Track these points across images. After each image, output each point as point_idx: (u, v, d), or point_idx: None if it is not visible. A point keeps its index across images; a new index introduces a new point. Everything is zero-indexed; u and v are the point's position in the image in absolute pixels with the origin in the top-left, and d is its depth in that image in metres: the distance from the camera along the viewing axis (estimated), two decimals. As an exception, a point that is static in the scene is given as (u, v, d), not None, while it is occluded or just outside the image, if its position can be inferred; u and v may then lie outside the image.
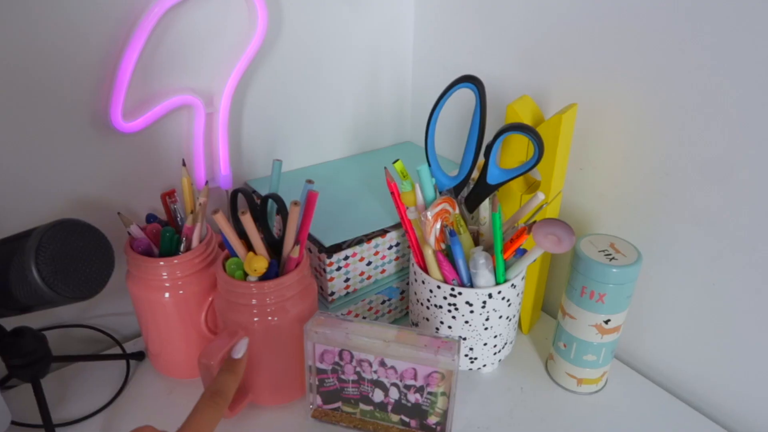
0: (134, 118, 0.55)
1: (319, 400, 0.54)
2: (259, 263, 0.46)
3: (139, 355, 0.61)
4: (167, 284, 0.53)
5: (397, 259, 0.63)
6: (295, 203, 0.46)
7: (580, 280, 0.52)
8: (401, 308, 0.66)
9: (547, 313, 0.70)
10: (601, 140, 0.57)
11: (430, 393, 0.50)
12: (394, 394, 0.51)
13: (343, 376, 0.52)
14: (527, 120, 0.54)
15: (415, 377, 0.50)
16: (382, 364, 0.50)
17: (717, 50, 0.46)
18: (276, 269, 0.49)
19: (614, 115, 0.55)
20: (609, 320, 0.52)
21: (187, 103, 0.58)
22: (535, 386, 0.58)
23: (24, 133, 0.52)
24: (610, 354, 0.55)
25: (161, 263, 0.52)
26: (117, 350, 0.62)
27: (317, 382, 0.53)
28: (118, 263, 0.53)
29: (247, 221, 0.46)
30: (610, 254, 0.51)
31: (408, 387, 0.50)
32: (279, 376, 0.53)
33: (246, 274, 0.49)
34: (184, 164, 0.53)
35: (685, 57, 0.48)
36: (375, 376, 0.51)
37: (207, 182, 0.53)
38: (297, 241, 0.50)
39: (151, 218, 0.56)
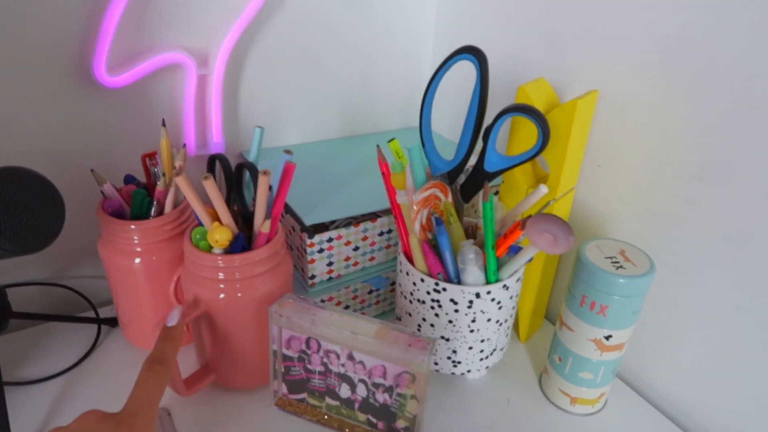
0: (120, 72, 0.52)
1: (284, 389, 0.50)
2: (222, 233, 0.43)
3: (112, 321, 0.59)
4: (138, 249, 0.50)
5: (388, 247, 0.58)
6: (264, 172, 0.42)
7: (581, 289, 0.46)
8: (390, 300, 0.62)
9: (550, 322, 0.64)
10: (624, 135, 0.51)
11: (399, 395, 0.46)
12: (361, 391, 0.47)
13: (309, 366, 0.48)
14: (539, 104, 0.48)
15: (384, 375, 0.45)
16: (351, 357, 0.46)
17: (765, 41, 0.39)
18: (242, 242, 0.45)
19: (640, 107, 0.49)
20: (610, 336, 0.46)
21: (178, 62, 0.55)
22: (524, 400, 0.53)
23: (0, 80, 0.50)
24: (610, 374, 0.49)
25: (132, 227, 0.49)
26: (92, 314, 0.60)
27: (283, 369, 0.49)
28: (93, 225, 0.51)
29: (210, 187, 0.42)
30: (618, 262, 0.45)
31: (376, 385, 0.46)
32: (244, 358, 0.50)
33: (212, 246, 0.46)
34: (164, 124, 0.50)
35: (727, 45, 0.42)
36: (342, 370, 0.47)
37: (184, 145, 0.50)
38: (269, 216, 0.46)
39: (129, 179, 0.53)
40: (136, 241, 0.50)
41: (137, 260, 0.50)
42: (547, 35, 0.56)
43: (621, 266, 0.45)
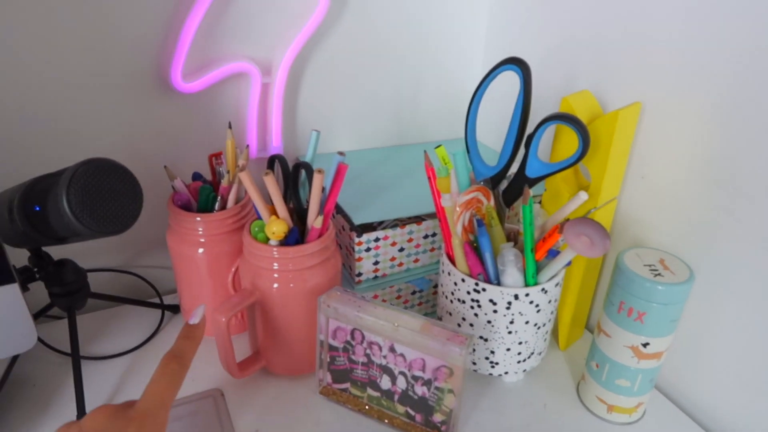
0: (193, 79, 0.58)
1: (329, 378, 0.53)
2: (279, 226, 0.46)
3: (175, 308, 0.64)
4: (202, 240, 0.55)
5: (432, 250, 0.61)
6: (319, 171, 0.46)
7: (618, 295, 0.47)
8: (433, 302, 0.64)
9: (590, 332, 0.64)
10: (667, 146, 0.52)
11: (437, 388, 0.48)
12: (401, 383, 0.49)
13: (353, 357, 0.51)
14: (582, 115, 0.50)
15: (423, 368, 0.48)
16: (392, 349, 0.48)
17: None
18: (296, 236, 0.49)
19: (684, 118, 0.50)
20: (648, 343, 0.47)
21: (244, 71, 0.60)
22: (561, 406, 0.54)
23: (90, 86, 0.56)
24: (648, 383, 0.50)
25: (197, 218, 0.54)
26: (158, 301, 0.65)
27: (328, 359, 0.52)
28: (164, 218, 0.56)
29: (270, 182, 0.46)
30: (656, 270, 0.46)
31: (416, 378, 0.48)
32: (292, 346, 0.53)
33: (269, 238, 0.50)
34: (230, 127, 0.55)
35: (771, 57, 0.42)
36: (384, 362, 0.49)
37: (248, 145, 0.55)
38: (321, 212, 0.49)
39: (196, 176, 0.58)
40: (200, 232, 0.54)
41: (201, 250, 0.55)
42: (593, 49, 0.58)
43: (659, 274, 0.46)
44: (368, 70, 0.69)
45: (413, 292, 0.62)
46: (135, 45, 0.56)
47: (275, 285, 0.50)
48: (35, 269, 0.52)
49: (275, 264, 0.49)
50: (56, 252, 0.54)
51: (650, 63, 0.52)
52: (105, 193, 0.42)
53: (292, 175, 0.51)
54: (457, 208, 0.48)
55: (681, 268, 0.46)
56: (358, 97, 0.70)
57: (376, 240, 0.56)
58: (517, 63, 0.45)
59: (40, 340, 0.57)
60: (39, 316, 0.56)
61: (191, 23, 0.55)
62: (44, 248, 0.52)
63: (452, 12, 0.71)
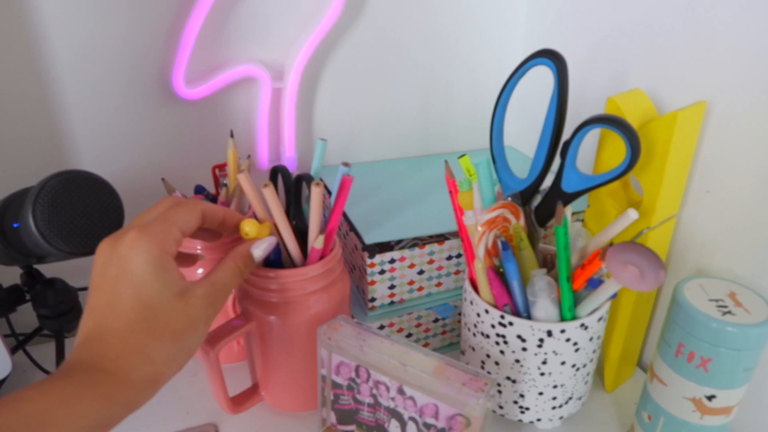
0: (197, 85, 0.54)
1: (333, 418, 0.47)
2: (251, 226, 0.40)
3: (179, 330, 0.59)
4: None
5: (457, 272, 0.54)
6: (317, 183, 0.40)
7: (677, 335, 0.39)
8: (458, 331, 0.57)
9: (643, 371, 0.55)
10: (739, 155, 0.43)
11: (453, 439, 0.41)
12: (411, 430, 0.42)
13: (358, 396, 0.44)
14: (633, 118, 0.42)
15: (436, 416, 0.41)
16: (401, 391, 0.42)
17: None
18: (279, 253, 0.43)
19: (759, 120, 0.41)
20: (714, 396, 0.38)
21: (253, 75, 0.55)
22: (606, 461, 0.46)
23: (86, 91, 0.53)
24: (714, 442, 0.41)
25: (194, 236, 0.49)
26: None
27: (332, 397, 0.46)
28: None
29: (269, 194, 0.41)
30: (726, 306, 0.37)
31: (428, 426, 0.41)
32: (294, 380, 0.48)
33: (268, 262, 0.44)
34: (231, 135, 0.50)
35: None
36: (392, 404, 0.43)
37: (249, 156, 0.50)
38: (323, 231, 0.44)
39: (199, 189, 0.53)
40: (198, 251, 0.50)
41: (200, 271, 0.50)
42: (647, 41, 0.49)
43: (729, 311, 0.37)
44: (391, 74, 0.63)
45: (435, 320, 0.55)
46: (134, 48, 0.52)
47: (274, 312, 0.44)
48: (26, 289, 0.49)
49: (272, 287, 0.44)
50: (52, 269, 0.51)
51: (717, 55, 0.43)
52: (78, 209, 0.38)
53: (294, 188, 0.45)
54: (479, 228, 0.41)
55: (757, 305, 0.37)
56: (380, 103, 0.64)
57: (392, 261, 0.50)
58: (549, 56, 0.37)
59: (33, 361, 0.54)
60: (32, 336, 0.52)
61: (193, 24, 0.51)
62: (36, 266, 0.49)
63: (486, 10, 0.64)
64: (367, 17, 0.59)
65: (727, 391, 0.38)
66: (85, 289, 0.57)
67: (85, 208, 0.39)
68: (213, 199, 0.53)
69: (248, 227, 0.40)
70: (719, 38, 0.43)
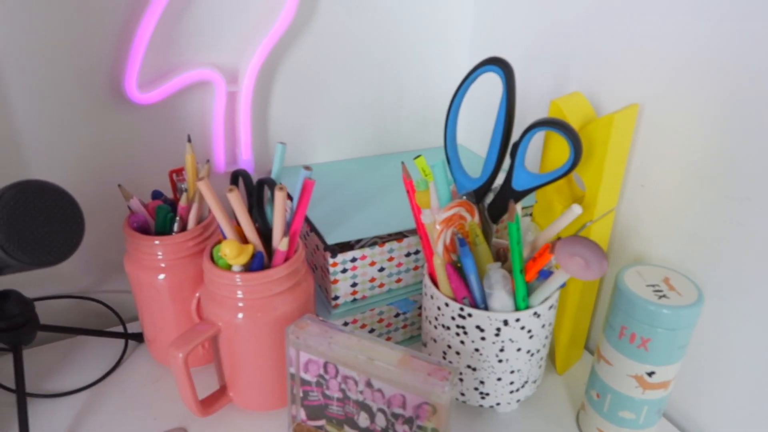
0: (150, 89, 0.53)
1: (303, 414, 0.48)
2: (231, 248, 0.41)
3: (139, 337, 0.59)
4: (162, 265, 0.50)
5: (416, 268, 0.56)
6: (280, 188, 0.41)
7: (619, 319, 0.42)
8: (419, 324, 0.59)
9: (591, 353, 0.59)
10: (669, 153, 0.47)
11: (419, 427, 0.43)
12: (380, 421, 0.44)
13: (327, 392, 0.46)
14: (574, 120, 0.45)
15: (403, 406, 0.43)
16: (369, 384, 0.43)
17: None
18: (261, 260, 0.44)
19: (687, 122, 0.45)
20: (653, 372, 0.42)
21: (207, 79, 0.55)
22: (559, 438, 0.49)
23: (32, 96, 0.51)
24: (654, 414, 0.45)
25: (155, 242, 0.49)
26: (121, 329, 0.60)
27: (301, 394, 0.47)
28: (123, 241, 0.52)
29: (234, 199, 0.42)
30: (661, 291, 0.41)
31: (396, 416, 0.43)
32: (262, 379, 0.48)
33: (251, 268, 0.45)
34: (189, 140, 0.50)
35: (784, 50, 0.38)
36: (361, 398, 0.44)
37: (208, 161, 0.50)
38: (287, 233, 0.45)
39: (156, 195, 0.53)
40: (160, 257, 0.50)
41: (161, 276, 0.50)
42: (584, 48, 0.53)
43: (664, 295, 0.41)
44: (344, 75, 0.64)
45: (396, 315, 0.57)
46: (83, 52, 0.51)
47: (240, 315, 0.45)
48: (-23, 302, 0.47)
49: (239, 292, 0.44)
50: (5, 279, 0.49)
51: (647, 60, 0.47)
52: (37, 219, 0.38)
53: (256, 192, 0.46)
54: (437, 226, 0.43)
55: (688, 288, 0.41)
56: (334, 105, 0.66)
57: (353, 260, 0.52)
58: (498, 63, 0.40)
59: (-12, 378, 0.52)
60: (-15, 351, 0.51)
61: (145, 27, 0.50)
62: (-13, 278, 0.48)
63: (434, 11, 0.66)
64: (320, 21, 0.60)
65: (665, 367, 0.42)
66: (40, 299, 0.56)
67: (44, 218, 0.38)
68: (171, 203, 0.53)
69: (227, 249, 0.41)
70: (648, 44, 0.47)
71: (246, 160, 0.60)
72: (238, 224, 0.45)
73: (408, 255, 0.54)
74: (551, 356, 0.57)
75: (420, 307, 0.58)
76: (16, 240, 0.36)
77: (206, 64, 0.55)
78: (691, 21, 0.43)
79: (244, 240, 0.45)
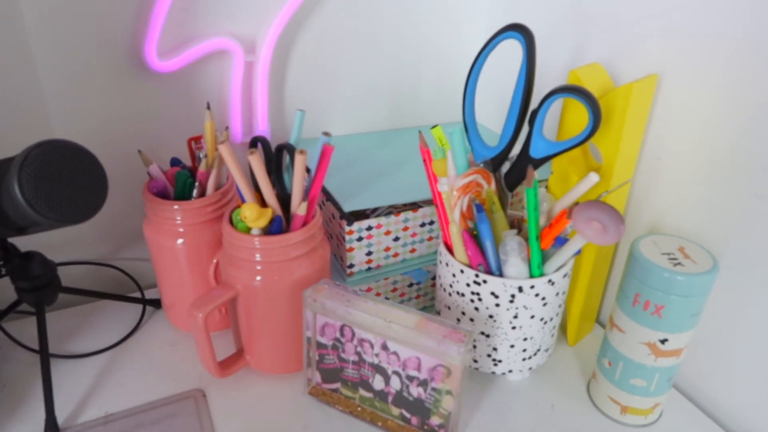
0: (169, 57, 0.54)
1: (318, 377, 0.49)
2: (250, 210, 0.42)
3: (156, 303, 0.60)
4: (180, 230, 0.51)
5: (430, 239, 0.56)
6: (301, 152, 0.42)
7: (633, 286, 0.43)
8: (431, 295, 0.60)
9: (602, 327, 0.60)
10: (687, 124, 0.47)
11: (434, 389, 0.44)
12: (395, 383, 0.45)
13: (343, 355, 0.47)
14: (593, 90, 0.45)
15: (418, 368, 0.43)
16: (384, 347, 0.44)
17: None
18: (280, 224, 0.45)
19: (705, 92, 0.45)
20: (666, 340, 0.43)
21: (226, 48, 0.55)
22: (570, 407, 0.50)
23: (56, 63, 0.52)
24: (665, 382, 0.45)
25: (175, 207, 0.50)
26: (139, 295, 0.62)
27: (317, 357, 0.48)
28: (143, 207, 0.52)
29: (255, 161, 0.42)
30: (676, 259, 0.42)
31: (411, 378, 0.44)
32: (278, 343, 0.49)
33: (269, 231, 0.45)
34: (208, 107, 0.50)
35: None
36: (376, 360, 0.45)
37: (227, 127, 0.50)
38: (306, 198, 0.45)
39: (175, 162, 0.54)
40: (178, 222, 0.50)
41: (180, 241, 0.51)
42: (606, 19, 0.53)
43: (679, 263, 0.41)
44: (361, 48, 0.64)
45: (410, 285, 0.58)
46: (105, 20, 0.52)
47: (258, 278, 0.46)
48: (1, 263, 0.48)
49: (257, 255, 0.45)
50: (29, 244, 0.50)
51: (666, 30, 0.47)
52: (63, 178, 0.38)
53: (275, 157, 0.47)
54: (455, 193, 0.44)
55: (703, 257, 0.42)
56: (350, 77, 0.66)
57: (369, 229, 0.52)
58: (519, 30, 0.40)
59: (10, 337, 0.53)
60: (8, 312, 0.52)
61: (165, -4, 0.51)
62: (11, 240, 0.49)
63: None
64: (338, -8, 0.60)
65: (678, 334, 0.42)
66: (60, 264, 0.57)
67: (69, 177, 0.39)
68: (189, 170, 0.54)
69: (248, 211, 0.42)
70: (667, 12, 0.47)
71: (262, 130, 0.61)
72: (257, 190, 0.46)
73: (423, 225, 0.55)
74: (563, 328, 0.58)
75: (433, 278, 0.59)
76: (43, 197, 0.37)
77: (225, 34, 0.56)
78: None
79: (262, 205, 0.46)
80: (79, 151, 0.39)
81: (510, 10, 0.66)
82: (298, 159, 0.42)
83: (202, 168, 0.50)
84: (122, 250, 0.64)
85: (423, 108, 0.72)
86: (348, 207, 0.51)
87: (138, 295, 0.61)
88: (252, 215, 0.42)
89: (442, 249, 0.48)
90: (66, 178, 0.38)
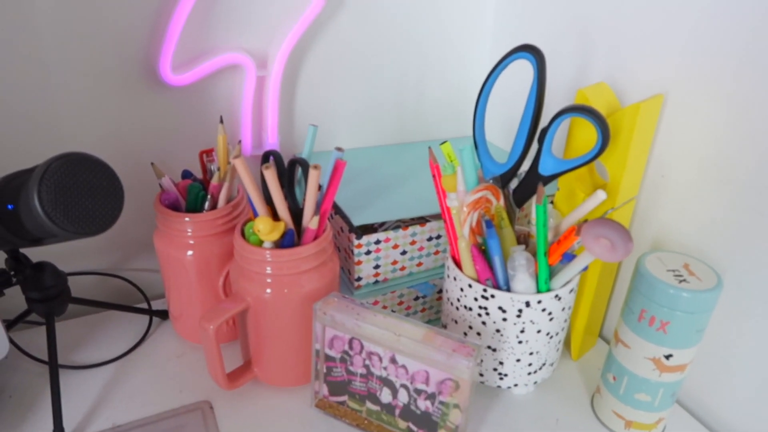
0: (183, 71, 0.54)
1: (325, 390, 0.50)
2: (264, 224, 0.43)
3: (163, 314, 0.60)
4: (191, 241, 0.51)
5: (437, 253, 0.57)
6: (315, 167, 0.43)
7: (639, 302, 0.44)
8: (437, 308, 0.60)
9: (605, 341, 0.61)
10: (691, 143, 0.48)
11: (441, 403, 0.44)
12: (403, 396, 0.46)
13: (351, 368, 0.47)
14: (599, 109, 0.47)
15: (426, 381, 0.44)
16: (393, 360, 0.45)
17: None
18: (292, 238, 0.45)
19: (708, 112, 0.46)
20: (671, 355, 0.43)
21: (238, 62, 0.56)
22: (574, 421, 0.50)
23: (71, 74, 0.53)
24: (669, 397, 0.46)
25: (186, 219, 0.50)
26: (146, 306, 0.62)
27: (325, 370, 0.49)
28: (153, 219, 0.53)
29: (270, 176, 0.43)
30: (681, 275, 0.42)
31: (419, 392, 0.45)
32: (286, 355, 0.50)
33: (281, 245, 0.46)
34: (221, 121, 0.51)
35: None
36: (384, 373, 0.46)
37: (240, 141, 0.51)
38: (317, 212, 0.46)
39: (186, 174, 0.54)
40: (189, 234, 0.51)
41: (189, 252, 0.51)
42: (610, 38, 0.54)
43: (684, 280, 0.42)
44: (370, 63, 0.66)
45: (416, 298, 0.58)
46: (121, 34, 0.53)
47: (268, 290, 0.46)
48: (12, 273, 0.49)
49: (268, 268, 0.46)
50: (38, 254, 0.51)
51: (672, 51, 0.48)
52: (81, 190, 0.39)
53: (288, 172, 0.47)
54: (465, 209, 0.45)
55: (707, 274, 0.43)
56: (359, 92, 0.67)
57: (377, 242, 0.53)
58: (530, 50, 0.41)
59: (18, 348, 0.53)
60: (17, 322, 0.52)
61: (181, 11, 0.52)
62: (22, 250, 0.49)
63: (456, 8, 0.67)
64: (349, 9, 0.61)
65: (682, 350, 0.43)
66: (70, 273, 0.58)
67: (87, 189, 0.39)
68: (201, 183, 0.54)
69: (261, 225, 0.42)
70: (673, 34, 0.48)
71: (272, 143, 0.61)
72: (268, 203, 0.46)
73: (430, 239, 0.56)
74: (566, 343, 0.58)
75: (440, 291, 0.59)
76: (62, 209, 0.38)
77: (237, 49, 0.57)
78: (714, 9, 0.44)
79: (274, 218, 0.47)
80: (97, 164, 0.40)
81: (514, 30, 0.67)
82: (312, 174, 0.43)
83: (214, 181, 0.50)
84: (129, 261, 0.64)
85: (429, 123, 0.73)
86: (357, 221, 0.52)
87: (145, 305, 0.61)
88: (266, 229, 0.43)
89: (450, 263, 0.49)
90: (84, 190, 0.39)
